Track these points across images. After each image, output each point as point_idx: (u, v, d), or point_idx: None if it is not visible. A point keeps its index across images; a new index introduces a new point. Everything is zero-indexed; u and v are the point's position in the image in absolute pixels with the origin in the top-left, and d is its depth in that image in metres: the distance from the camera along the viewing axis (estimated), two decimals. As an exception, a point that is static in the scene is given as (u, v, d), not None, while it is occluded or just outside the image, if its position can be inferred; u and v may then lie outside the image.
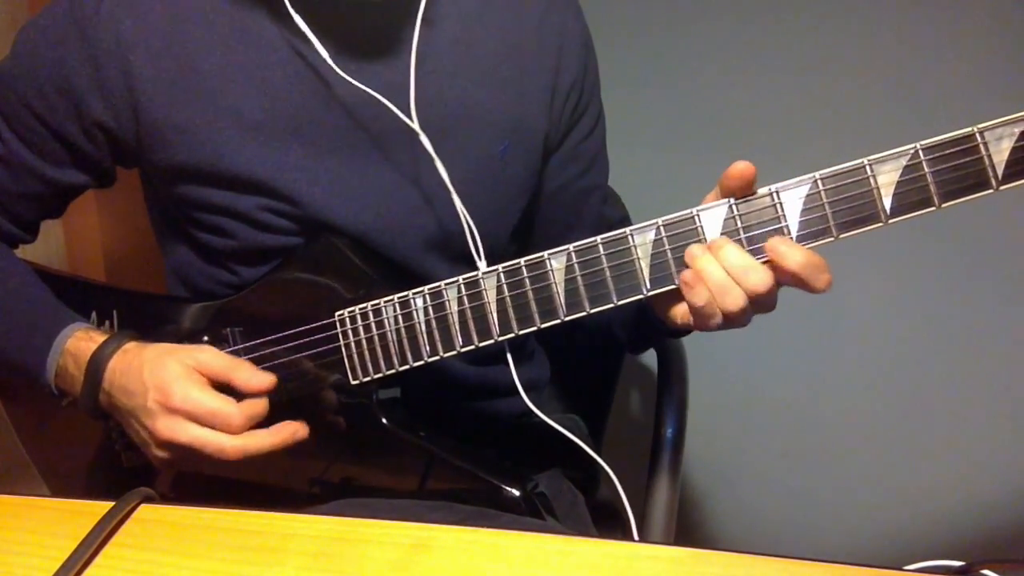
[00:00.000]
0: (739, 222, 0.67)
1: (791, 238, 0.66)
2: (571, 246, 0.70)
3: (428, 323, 0.75)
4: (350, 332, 0.77)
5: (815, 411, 1.40)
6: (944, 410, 1.31)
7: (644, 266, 0.69)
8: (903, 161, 0.64)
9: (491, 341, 0.73)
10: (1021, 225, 1.21)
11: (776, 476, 1.46)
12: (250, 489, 0.79)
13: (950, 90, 1.19)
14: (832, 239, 0.66)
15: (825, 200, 0.65)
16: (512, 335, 0.73)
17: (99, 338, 0.76)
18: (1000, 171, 0.62)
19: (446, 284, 0.74)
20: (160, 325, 0.84)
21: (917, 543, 1.35)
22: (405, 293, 0.75)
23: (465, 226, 0.76)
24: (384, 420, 0.78)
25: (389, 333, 0.76)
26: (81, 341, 0.76)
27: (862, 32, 1.25)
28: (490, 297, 0.73)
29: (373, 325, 0.76)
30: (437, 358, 0.75)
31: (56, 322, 0.78)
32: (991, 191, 0.63)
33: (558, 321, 0.71)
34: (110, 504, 0.61)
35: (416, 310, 0.75)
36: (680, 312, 0.71)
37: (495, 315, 0.73)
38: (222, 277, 0.84)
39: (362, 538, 0.57)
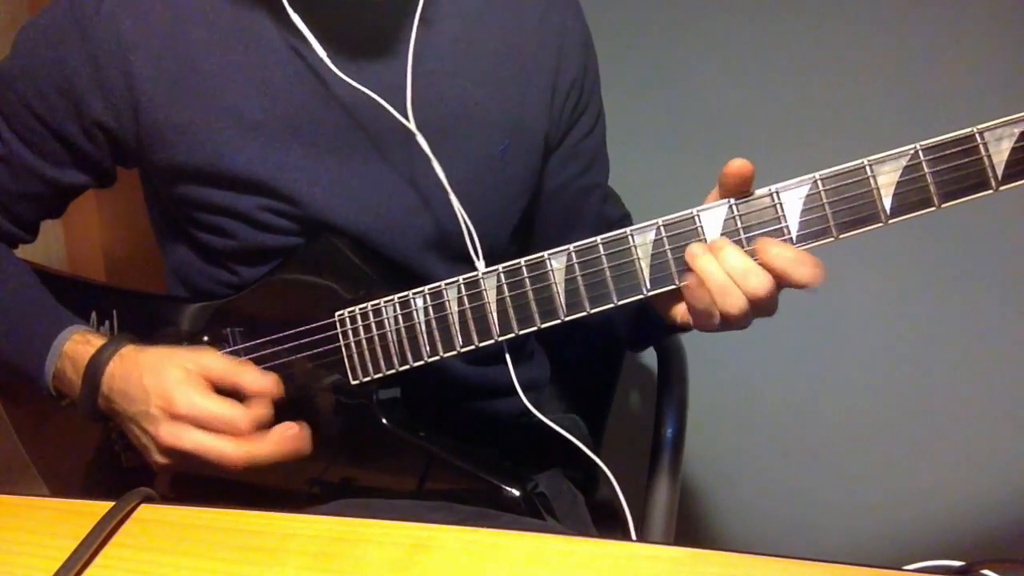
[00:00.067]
0: (739, 222, 0.67)
1: (791, 238, 0.66)
2: (571, 246, 0.70)
3: (428, 323, 0.75)
4: (350, 332, 0.77)
5: (815, 411, 1.40)
6: (944, 410, 1.31)
7: (644, 266, 0.69)
8: (903, 161, 0.64)
9: (491, 341, 0.73)
10: (1021, 225, 1.21)
11: (776, 476, 1.46)
12: (250, 489, 0.79)
13: (950, 90, 1.19)
14: (832, 239, 0.66)
15: (825, 200, 0.65)
16: (512, 335, 0.73)
17: (96, 342, 0.75)
18: (1000, 171, 0.62)
19: (446, 284, 0.74)
20: (160, 325, 0.84)
21: (917, 543, 1.35)
22: (405, 293, 0.75)
23: (463, 226, 0.76)
24: (384, 420, 0.78)
25: (389, 333, 0.76)
26: (78, 344, 0.76)
27: (862, 32, 1.25)
28: (490, 297, 0.73)
29: (373, 325, 0.76)
30: (437, 358, 0.75)
31: (54, 324, 0.78)
32: (991, 191, 0.63)
33: (558, 321, 0.71)
34: (110, 504, 0.61)
35: (416, 310, 0.75)
36: (680, 311, 0.71)
37: (495, 315, 0.73)
38: (222, 277, 0.84)
39: (362, 538, 0.57)
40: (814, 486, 1.43)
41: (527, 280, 0.71)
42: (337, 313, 0.77)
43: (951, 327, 1.29)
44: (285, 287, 0.80)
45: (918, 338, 1.31)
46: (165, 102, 0.77)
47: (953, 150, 0.63)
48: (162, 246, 0.91)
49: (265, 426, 0.72)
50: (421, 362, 0.75)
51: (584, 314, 0.70)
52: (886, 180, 0.64)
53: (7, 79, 0.80)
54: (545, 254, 0.71)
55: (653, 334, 0.98)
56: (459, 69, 0.80)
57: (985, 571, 0.54)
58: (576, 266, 0.70)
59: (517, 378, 0.77)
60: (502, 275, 0.72)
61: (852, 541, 1.41)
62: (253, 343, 0.80)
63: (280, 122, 0.77)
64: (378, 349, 0.76)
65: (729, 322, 0.67)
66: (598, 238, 0.69)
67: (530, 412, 0.77)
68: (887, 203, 0.64)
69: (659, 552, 0.55)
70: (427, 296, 0.75)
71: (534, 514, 0.78)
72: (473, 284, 0.73)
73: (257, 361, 0.78)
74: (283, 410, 0.75)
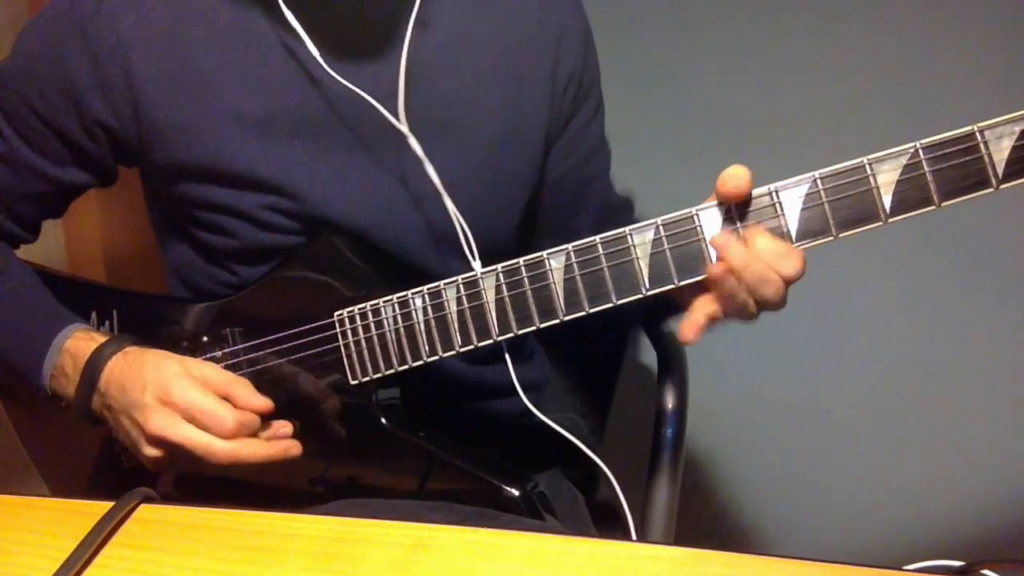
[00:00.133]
0: (738, 222, 0.67)
1: (791, 237, 0.66)
2: (570, 246, 0.70)
3: (427, 323, 0.75)
4: (349, 332, 0.77)
5: (815, 411, 1.40)
6: (944, 410, 1.31)
7: (643, 266, 0.69)
8: (903, 160, 0.64)
9: (490, 341, 0.73)
10: (1021, 225, 1.21)
11: (776, 476, 1.46)
12: (250, 489, 0.79)
13: (950, 90, 1.19)
14: (831, 238, 0.66)
15: (825, 199, 0.65)
16: (511, 335, 0.73)
17: (100, 339, 0.76)
18: (1000, 170, 0.62)
19: (445, 284, 0.74)
20: (160, 326, 0.84)
21: (917, 543, 1.35)
22: (404, 293, 0.75)
23: (457, 226, 0.76)
24: (383, 420, 0.78)
25: (388, 333, 0.76)
26: (81, 341, 0.76)
27: (862, 32, 1.25)
28: (489, 297, 0.73)
29: (372, 325, 0.76)
30: (436, 358, 0.75)
31: (55, 323, 0.78)
32: (991, 190, 0.63)
33: (557, 321, 0.71)
34: (110, 504, 0.61)
35: (415, 310, 0.75)
36: (708, 309, 0.70)
37: (494, 315, 0.73)
38: (222, 277, 0.84)
39: (362, 538, 0.57)
40: (814, 486, 1.43)
41: (526, 280, 0.71)
42: (336, 313, 0.77)
43: (951, 327, 1.29)
44: (284, 287, 0.80)
45: (918, 338, 1.31)
46: (165, 101, 0.77)
47: (953, 148, 0.63)
48: (162, 246, 0.91)
49: (251, 432, 0.73)
50: (420, 362, 0.75)
51: (583, 313, 0.70)
52: (886, 179, 0.64)
53: (8, 78, 0.80)
54: (544, 254, 0.71)
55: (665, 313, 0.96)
56: (455, 67, 0.80)
57: (985, 571, 0.54)
58: (575, 265, 0.70)
59: (517, 378, 0.77)
60: (501, 275, 0.72)
61: (852, 541, 1.41)
62: (253, 343, 0.80)
63: (280, 120, 0.77)
64: (377, 349, 0.76)
65: (767, 305, 0.67)
66: (597, 238, 0.69)
67: (530, 412, 0.77)
68: (887, 202, 0.64)
69: (659, 552, 0.55)
70: (426, 296, 0.75)
71: (534, 514, 0.78)
72: (472, 284, 0.73)
73: (257, 361, 0.78)
74: (282, 410, 0.75)
